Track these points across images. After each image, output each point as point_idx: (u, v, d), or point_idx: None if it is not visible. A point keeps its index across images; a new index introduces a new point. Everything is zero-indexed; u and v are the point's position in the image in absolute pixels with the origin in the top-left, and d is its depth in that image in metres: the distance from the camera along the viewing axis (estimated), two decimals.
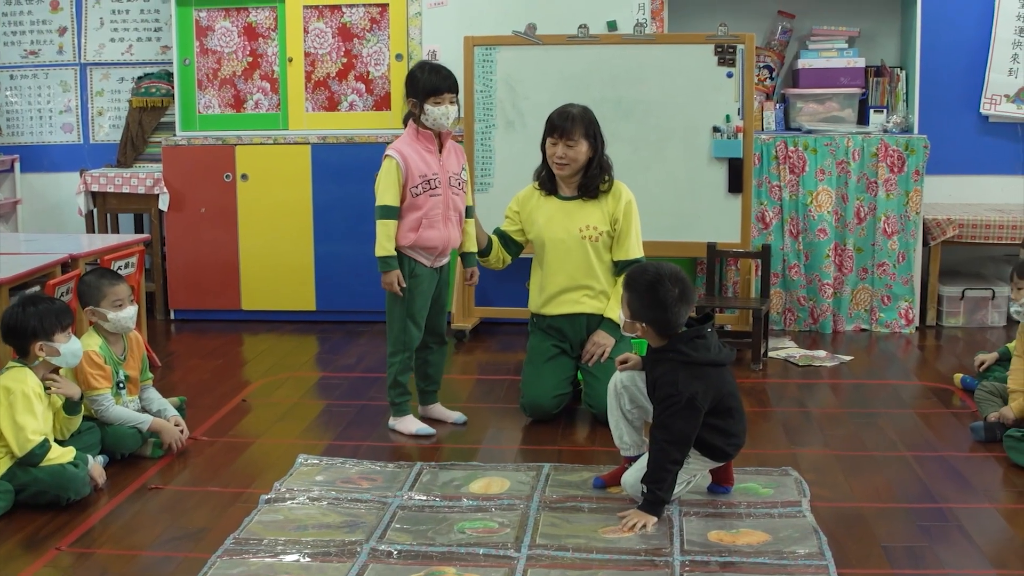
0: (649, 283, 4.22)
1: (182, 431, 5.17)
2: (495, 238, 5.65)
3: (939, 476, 4.79)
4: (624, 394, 4.48)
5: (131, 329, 5.20)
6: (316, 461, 4.97)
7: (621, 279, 5.41)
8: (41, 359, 4.64)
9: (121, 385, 5.15)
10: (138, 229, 8.48)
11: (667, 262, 4.35)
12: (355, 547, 4.01)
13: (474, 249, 5.62)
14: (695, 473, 4.36)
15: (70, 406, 4.76)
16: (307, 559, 3.92)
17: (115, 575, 3.86)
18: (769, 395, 6.12)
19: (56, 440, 4.68)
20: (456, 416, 5.54)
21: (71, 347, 4.69)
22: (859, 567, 3.85)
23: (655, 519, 4.17)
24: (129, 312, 5.13)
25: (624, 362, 4.50)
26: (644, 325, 4.27)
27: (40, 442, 4.49)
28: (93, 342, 5.08)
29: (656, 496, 4.18)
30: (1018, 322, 5.44)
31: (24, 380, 4.56)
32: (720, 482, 4.51)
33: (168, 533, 4.23)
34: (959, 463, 4.95)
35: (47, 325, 4.63)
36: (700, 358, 4.22)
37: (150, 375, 5.37)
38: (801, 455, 5.05)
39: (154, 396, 5.30)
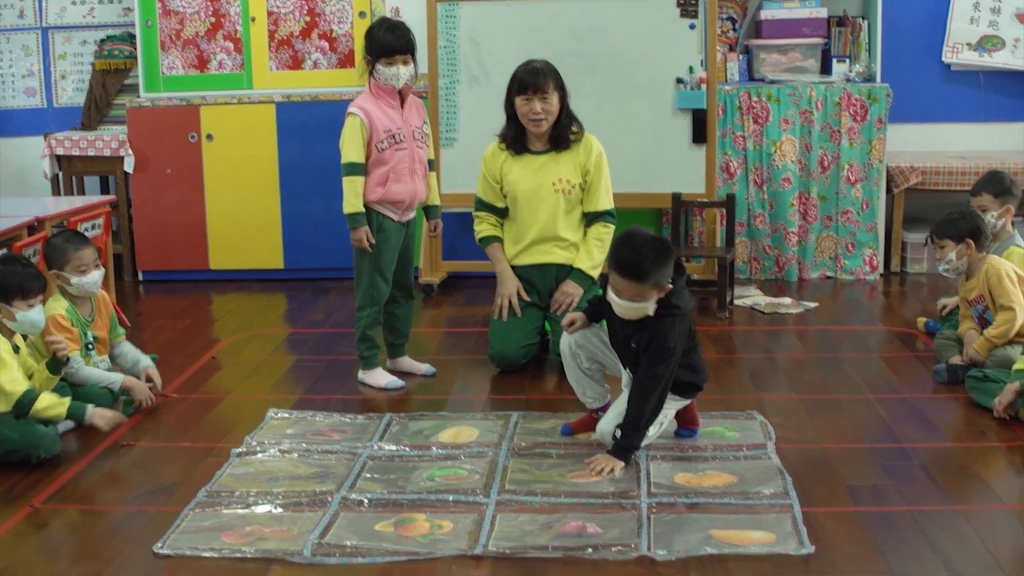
0: (664, 245, 4.18)
1: (152, 387, 5.17)
2: (494, 230, 5.61)
3: (902, 418, 4.85)
4: (580, 353, 4.50)
5: (95, 293, 5.18)
6: (286, 415, 4.98)
7: (592, 231, 5.43)
8: None
9: (90, 346, 5.14)
10: (104, 191, 8.43)
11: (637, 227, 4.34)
12: (326, 497, 4.03)
13: (436, 202, 5.62)
14: (666, 414, 4.41)
15: (54, 365, 4.77)
16: (279, 509, 3.95)
17: (89, 530, 3.88)
18: (735, 342, 6.16)
19: None
20: (425, 368, 5.57)
21: (30, 317, 4.64)
22: (824, 505, 3.90)
23: (623, 464, 4.21)
24: (93, 277, 5.11)
25: (572, 323, 4.51)
26: (665, 284, 4.19)
27: (24, 392, 4.48)
28: (59, 305, 5.07)
29: (629, 443, 4.23)
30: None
31: None
32: (686, 425, 4.57)
33: (141, 488, 4.24)
34: (922, 404, 5.02)
35: (4, 288, 4.60)
36: (687, 308, 4.28)
37: (122, 330, 5.36)
38: (767, 400, 5.10)
39: (127, 349, 5.31)
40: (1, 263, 4.67)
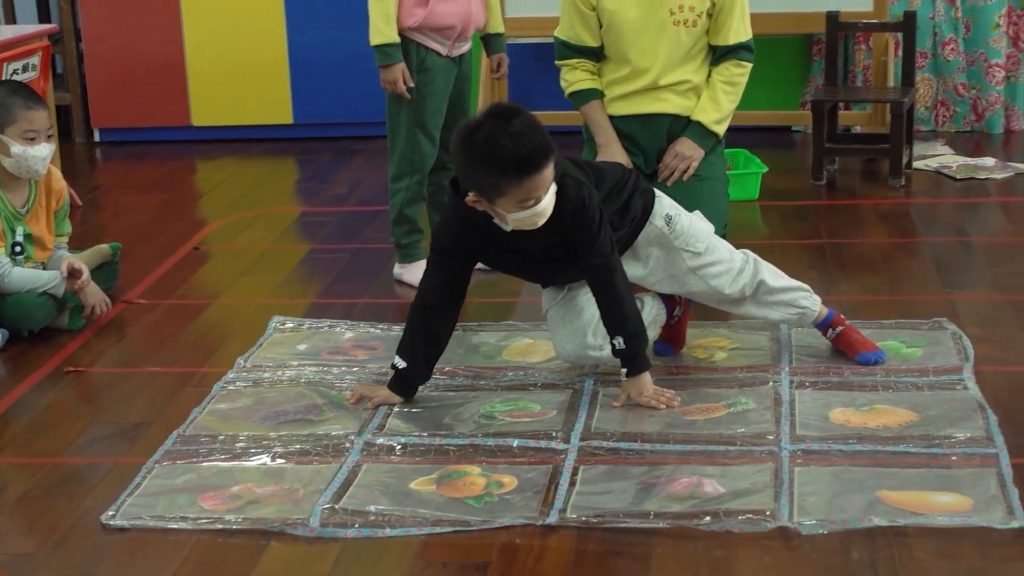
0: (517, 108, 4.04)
1: (81, 285, 5.04)
2: (592, 81, 5.45)
3: None
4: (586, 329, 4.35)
5: (39, 174, 5.04)
6: (295, 325, 4.96)
7: (720, 71, 5.30)
8: None
9: (18, 249, 5.02)
10: (43, 18, 8.39)
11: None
12: (344, 442, 3.98)
13: (500, 30, 5.52)
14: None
15: None
16: (279, 460, 3.89)
17: (20, 491, 3.82)
18: (915, 220, 6.07)
19: None
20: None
21: None
22: None
23: (647, 376, 4.18)
24: (42, 151, 4.96)
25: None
26: None
27: None
28: None
29: (635, 346, 4.16)
30: None
31: None
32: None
33: (92, 432, 4.20)
34: None
35: None
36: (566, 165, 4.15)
37: (68, 228, 5.27)
38: (961, 302, 4.98)
39: (61, 255, 5.19)
40: None
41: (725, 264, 4.36)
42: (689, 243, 4.33)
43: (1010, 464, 3.68)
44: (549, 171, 3.90)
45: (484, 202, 3.94)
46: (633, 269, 4.35)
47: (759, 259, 4.44)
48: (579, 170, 4.19)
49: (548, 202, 3.93)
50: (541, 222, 3.97)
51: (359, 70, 7.50)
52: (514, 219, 3.94)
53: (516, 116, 3.91)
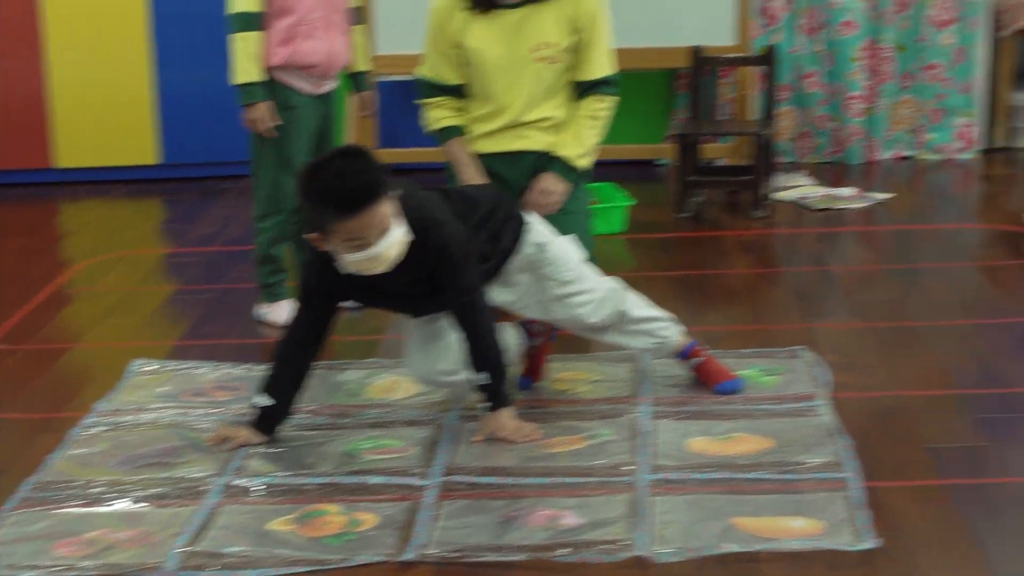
0: (358, 148, 4.09)
1: None
2: (455, 118, 5.47)
3: (1008, 352, 4.79)
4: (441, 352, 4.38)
5: None
6: (157, 367, 4.93)
7: (583, 106, 5.32)
8: None
9: None
10: None
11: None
12: (202, 484, 3.95)
13: (366, 67, 5.55)
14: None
15: None
16: (139, 504, 3.86)
17: None
18: (776, 251, 6.17)
19: None
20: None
21: None
22: (894, 478, 3.82)
23: (513, 411, 4.21)
24: None
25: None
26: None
27: None
28: None
29: (499, 383, 4.19)
30: None
31: None
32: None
33: None
34: None
35: None
36: (433, 205, 4.17)
37: None
38: (819, 330, 5.05)
39: None
40: None
41: (590, 294, 4.40)
42: (558, 271, 4.37)
43: (862, 487, 3.73)
44: (376, 214, 3.86)
45: (322, 241, 3.95)
46: (502, 295, 4.38)
47: (626, 289, 4.49)
48: (447, 201, 4.21)
49: (385, 248, 3.90)
50: (380, 268, 3.95)
51: (227, 109, 7.39)
52: (350, 261, 3.93)
53: (355, 156, 3.92)
